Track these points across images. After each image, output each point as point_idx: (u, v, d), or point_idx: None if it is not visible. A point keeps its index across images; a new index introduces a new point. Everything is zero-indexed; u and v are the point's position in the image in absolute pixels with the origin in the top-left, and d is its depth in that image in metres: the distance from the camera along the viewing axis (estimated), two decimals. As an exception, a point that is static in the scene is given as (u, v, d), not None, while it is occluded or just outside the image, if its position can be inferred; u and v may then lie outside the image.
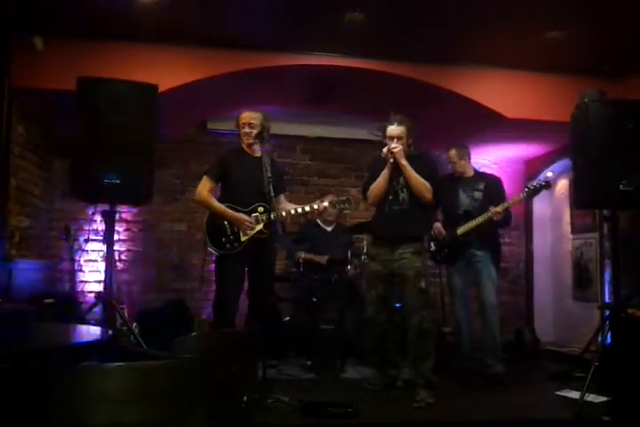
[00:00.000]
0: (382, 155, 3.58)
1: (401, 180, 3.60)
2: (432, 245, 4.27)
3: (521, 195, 4.01)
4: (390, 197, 3.61)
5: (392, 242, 3.59)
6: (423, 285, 3.49)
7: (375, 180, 3.65)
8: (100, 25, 4.00)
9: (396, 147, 3.50)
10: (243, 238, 3.47)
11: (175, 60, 4.31)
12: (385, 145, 3.58)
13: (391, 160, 3.53)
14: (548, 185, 3.99)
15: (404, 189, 3.59)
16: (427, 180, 3.54)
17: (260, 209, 3.49)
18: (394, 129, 3.57)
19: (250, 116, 3.56)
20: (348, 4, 3.71)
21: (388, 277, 3.62)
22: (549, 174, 4.59)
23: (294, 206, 3.63)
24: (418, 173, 3.54)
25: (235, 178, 3.56)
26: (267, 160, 3.54)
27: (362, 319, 4.00)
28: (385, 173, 3.60)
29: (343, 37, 4.14)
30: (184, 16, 3.90)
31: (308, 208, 3.59)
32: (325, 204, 3.60)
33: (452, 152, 4.29)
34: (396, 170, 3.57)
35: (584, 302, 5.40)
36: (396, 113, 3.62)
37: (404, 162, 3.51)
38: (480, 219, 4.02)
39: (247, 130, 3.54)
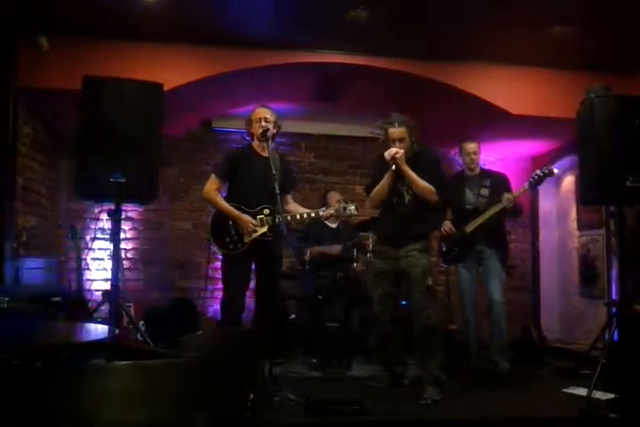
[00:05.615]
0: (387, 160, 3.46)
1: (406, 181, 3.53)
2: (443, 246, 4.26)
3: (525, 185, 3.96)
4: (395, 200, 3.56)
5: (397, 241, 3.56)
6: (430, 282, 3.48)
7: (378, 181, 3.58)
8: (105, 24, 4.01)
9: (398, 152, 3.39)
10: (246, 240, 3.43)
11: (180, 58, 4.31)
12: (387, 145, 3.50)
13: (393, 167, 3.43)
14: (551, 172, 3.93)
15: (410, 191, 3.52)
16: (431, 179, 3.46)
17: (266, 211, 3.45)
18: (394, 131, 3.46)
19: (266, 111, 3.55)
20: (351, 1, 3.70)
21: (394, 275, 3.61)
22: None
23: (300, 211, 3.57)
24: (421, 173, 3.45)
25: (242, 177, 3.53)
26: (276, 159, 3.49)
27: (367, 317, 3.98)
28: (387, 180, 3.53)
29: (347, 34, 4.13)
30: (188, 14, 3.90)
31: (313, 214, 3.54)
32: (331, 211, 3.55)
33: (474, 145, 4.25)
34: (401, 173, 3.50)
35: (591, 298, 5.38)
36: (397, 112, 3.53)
37: (405, 168, 3.42)
38: (487, 214, 4.00)
39: (263, 123, 3.49)
